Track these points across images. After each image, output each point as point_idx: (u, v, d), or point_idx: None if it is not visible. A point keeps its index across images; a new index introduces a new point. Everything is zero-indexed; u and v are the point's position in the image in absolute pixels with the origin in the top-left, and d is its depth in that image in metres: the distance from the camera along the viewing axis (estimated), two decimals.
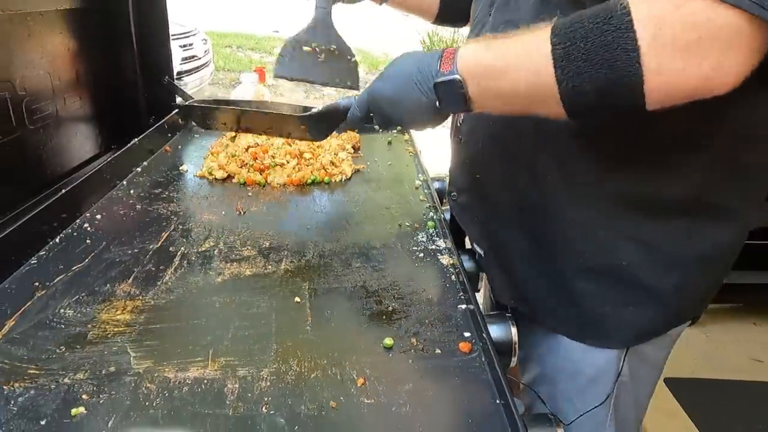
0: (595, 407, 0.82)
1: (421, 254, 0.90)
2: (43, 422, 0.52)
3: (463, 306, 0.76)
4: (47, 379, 0.58)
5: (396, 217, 1.04)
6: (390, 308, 0.75)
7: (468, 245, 1.00)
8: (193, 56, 4.81)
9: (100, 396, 0.56)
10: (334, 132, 1.02)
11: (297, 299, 0.75)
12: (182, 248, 0.87)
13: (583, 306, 0.79)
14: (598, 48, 0.53)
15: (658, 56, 0.51)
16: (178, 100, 1.63)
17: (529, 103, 0.63)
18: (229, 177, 1.18)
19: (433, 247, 0.93)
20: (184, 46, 4.63)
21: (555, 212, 0.77)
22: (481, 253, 0.93)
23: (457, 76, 0.64)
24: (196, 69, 4.84)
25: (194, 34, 4.94)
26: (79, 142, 1.31)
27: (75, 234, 0.90)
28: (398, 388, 0.60)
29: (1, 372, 0.58)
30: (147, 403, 0.55)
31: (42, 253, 0.83)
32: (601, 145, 0.70)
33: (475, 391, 0.61)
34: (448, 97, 0.67)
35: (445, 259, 0.89)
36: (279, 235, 0.94)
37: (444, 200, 1.43)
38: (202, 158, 1.26)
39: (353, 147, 1.41)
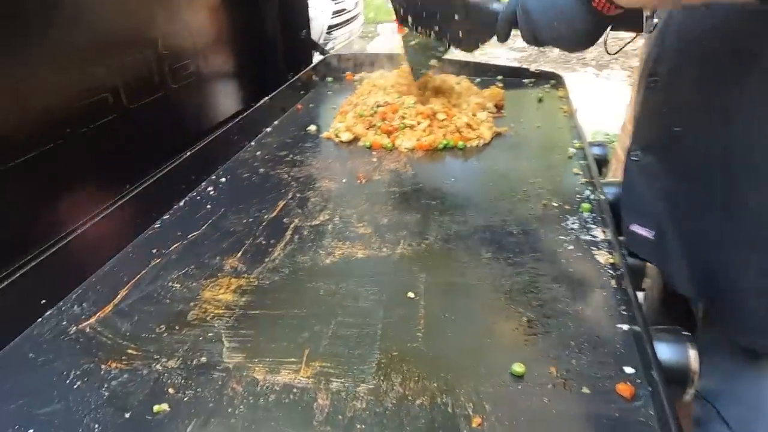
0: None
1: (571, 247, 0.72)
2: (127, 415, 0.49)
3: (626, 326, 0.57)
4: (142, 363, 0.55)
5: (541, 194, 0.85)
6: (525, 319, 0.59)
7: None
8: (343, 10, 4.81)
9: (186, 392, 0.51)
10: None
11: (411, 294, 0.64)
12: (296, 220, 0.80)
13: None
14: None
15: None
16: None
17: None
18: (356, 139, 1.09)
19: (587, 237, 0.74)
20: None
21: None
22: (650, 236, 0.72)
23: None
24: (345, 22, 4.85)
25: None
26: (221, 100, 1.32)
27: (198, 198, 0.88)
28: None
29: (103, 348, 0.57)
30: (230, 410, 0.49)
31: (166, 217, 0.83)
32: None
33: None
34: None
35: (602, 256, 0.69)
36: (400, 210, 0.83)
37: (603, 171, 1.20)
38: (332, 117, 1.19)
39: (495, 106, 1.22)
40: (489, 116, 1.14)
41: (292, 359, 0.55)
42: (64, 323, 0.60)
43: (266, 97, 1.17)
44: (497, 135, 1.09)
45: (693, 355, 0.59)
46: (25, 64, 0.73)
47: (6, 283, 0.59)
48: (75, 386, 0.52)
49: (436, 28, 0.94)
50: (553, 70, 1.43)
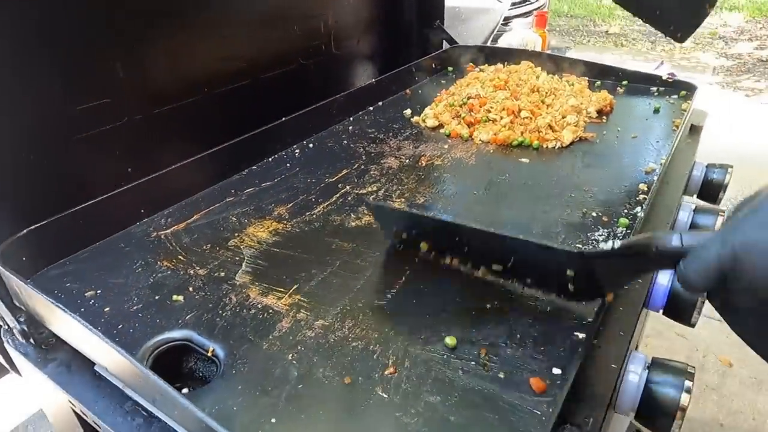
0: None
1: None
2: (156, 297, 0.66)
3: (578, 334, 0.57)
4: (183, 266, 0.72)
5: (586, 203, 0.84)
6: (488, 306, 0.63)
7: None
8: (525, 1, 4.70)
9: (199, 293, 0.67)
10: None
11: (404, 265, 0.71)
12: (348, 187, 0.92)
13: None
14: None
15: None
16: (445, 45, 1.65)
17: None
18: (440, 126, 1.16)
19: (606, 247, 0.72)
20: None
21: None
22: None
23: None
24: (526, 14, 4.74)
25: None
26: (361, 73, 1.50)
27: (285, 156, 1.05)
28: (423, 397, 0.51)
29: (164, 251, 0.76)
30: (220, 311, 0.64)
31: (254, 167, 1.01)
32: None
33: None
34: None
35: None
36: (438, 195, 0.89)
37: (720, 196, 1.10)
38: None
39: (599, 111, 1.17)
40: (582, 120, 1.11)
41: (282, 289, 0.67)
42: (150, 229, 0.82)
43: (373, 80, 1.30)
44: (581, 140, 1.06)
45: (686, 396, 0.58)
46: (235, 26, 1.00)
47: (118, 191, 0.81)
48: (137, 270, 0.72)
49: None
50: (692, 83, 1.29)
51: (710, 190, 1.10)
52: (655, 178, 0.89)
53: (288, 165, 1.01)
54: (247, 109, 1.12)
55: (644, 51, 5.98)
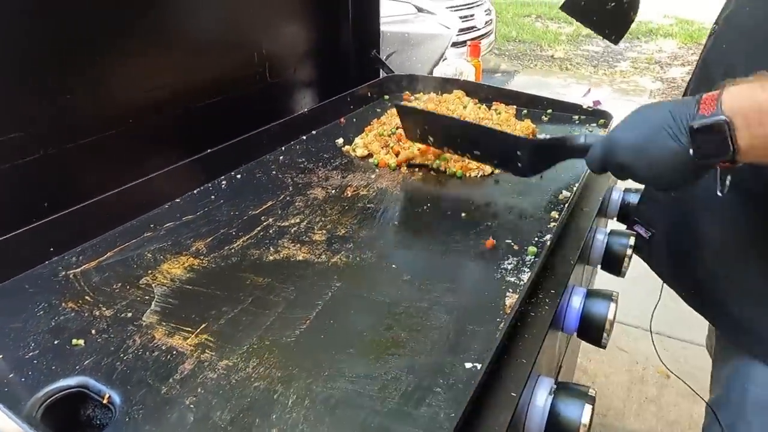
0: None
1: (489, 285, 0.73)
2: (55, 342, 0.64)
3: (469, 365, 0.59)
4: (88, 307, 0.70)
5: (500, 231, 0.87)
6: (393, 340, 0.64)
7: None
8: (473, 27, 4.88)
9: (102, 335, 0.65)
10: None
11: (317, 299, 0.71)
12: (271, 219, 0.92)
13: None
14: None
15: None
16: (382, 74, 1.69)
17: None
18: (370, 155, 1.18)
19: (512, 279, 0.75)
20: (465, 17, 4.73)
21: None
22: (645, 235, 0.95)
23: (722, 117, 0.54)
24: (473, 40, 4.90)
25: (478, 5, 4.99)
26: (298, 102, 1.51)
27: (211, 188, 1.04)
28: None
29: (71, 291, 0.74)
30: (123, 355, 0.62)
31: (178, 200, 1.00)
32: None
33: None
34: (707, 145, 0.55)
35: (510, 299, 0.70)
36: (362, 224, 0.90)
37: (632, 219, 1.16)
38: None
39: None
40: None
41: (189, 329, 0.66)
42: (60, 268, 0.79)
43: (305, 109, 1.31)
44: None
45: (586, 414, 0.60)
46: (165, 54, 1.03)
47: (25, 229, 0.78)
48: (38, 314, 0.69)
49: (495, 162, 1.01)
50: (607, 110, 1.37)
51: (628, 214, 1.16)
52: (565, 206, 0.93)
53: (213, 197, 1.00)
54: (177, 141, 1.11)
55: (587, 75, 6.27)
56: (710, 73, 0.81)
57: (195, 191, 1.03)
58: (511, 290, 0.72)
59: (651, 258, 0.99)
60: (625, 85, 5.86)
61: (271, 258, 0.81)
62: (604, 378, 2.20)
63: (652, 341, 1.47)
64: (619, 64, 6.63)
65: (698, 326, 1.08)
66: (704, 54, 0.87)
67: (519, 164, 0.89)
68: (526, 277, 0.74)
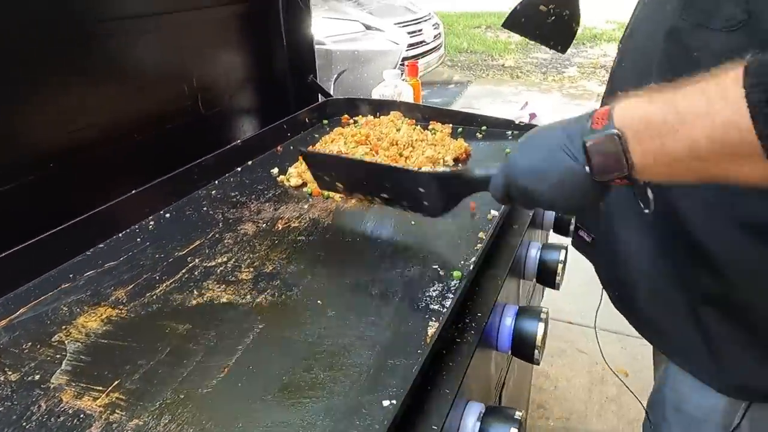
0: None
1: (413, 316, 0.73)
2: None
3: (387, 402, 0.59)
4: None
5: (428, 257, 0.87)
6: (310, 381, 0.63)
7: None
8: (422, 42, 4.95)
9: (5, 403, 0.62)
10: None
11: (237, 344, 0.70)
12: (197, 260, 0.90)
13: (708, 333, 0.74)
14: None
15: None
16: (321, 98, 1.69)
17: (710, 166, 0.49)
18: (304, 184, 1.17)
19: (436, 307, 0.75)
20: (413, 32, 4.80)
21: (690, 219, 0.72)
22: (588, 239, 0.98)
23: (614, 131, 0.53)
24: (423, 54, 4.98)
25: (426, 20, 5.08)
26: (235, 132, 1.49)
27: (137, 230, 1.01)
28: None
29: None
30: (25, 423, 0.59)
31: (101, 245, 0.96)
32: None
33: None
34: (602, 160, 0.54)
35: (431, 329, 0.70)
36: (291, 259, 0.89)
37: (569, 228, 1.19)
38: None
39: (455, 159, 1.24)
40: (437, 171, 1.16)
41: (100, 388, 0.64)
42: None
43: (238, 141, 1.30)
44: None
45: None
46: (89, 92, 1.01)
47: None
48: None
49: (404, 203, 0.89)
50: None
51: (561, 225, 1.19)
52: (492, 225, 0.95)
53: (138, 240, 0.97)
54: (103, 182, 1.08)
55: (537, 82, 6.45)
56: (614, 89, 0.84)
57: (120, 234, 1.00)
58: (433, 319, 0.72)
59: (594, 261, 1.01)
60: (574, 90, 6.04)
61: (194, 302, 0.79)
62: (565, 381, 2.23)
63: (596, 337, 1.52)
64: (567, 69, 6.85)
65: None
66: (612, 70, 0.90)
67: (425, 203, 0.83)
68: (449, 303, 0.75)
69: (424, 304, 0.75)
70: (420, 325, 0.71)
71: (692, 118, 0.48)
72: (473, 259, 0.85)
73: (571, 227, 1.18)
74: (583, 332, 2.47)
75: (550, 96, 5.81)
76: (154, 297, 0.81)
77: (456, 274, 0.81)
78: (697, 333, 0.75)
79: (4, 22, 0.91)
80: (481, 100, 5.78)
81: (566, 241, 1.18)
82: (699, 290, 0.74)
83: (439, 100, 5.52)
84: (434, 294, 0.78)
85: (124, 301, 0.80)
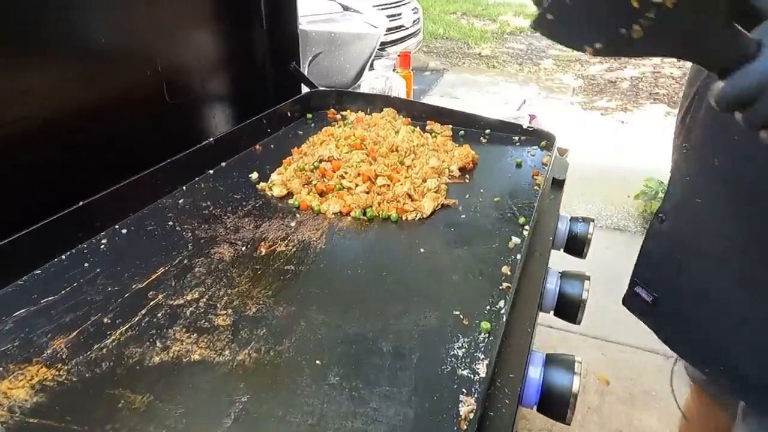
0: None
1: (438, 385, 0.59)
2: None
3: None
4: None
5: (445, 298, 0.72)
6: None
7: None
8: (401, 26, 4.76)
9: None
10: None
11: (214, 426, 0.54)
12: (161, 296, 0.72)
13: None
14: None
15: None
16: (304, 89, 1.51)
17: None
18: (289, 194, 1.00)
19: (465, 372, 0.60)
20: (392, 16, 4.60)
21: None
22: (649, 300, 0.85)
23: None
24: (402, 39, 4.79)
25: (405, 4, 4.88)
26: (208, 126, 1.29)
27: (86, 251, 0.82)
28: None
29: None
30: None
31: (38, 271, 0.77)
32: None
33: None
34: None
35: (466, 406, 0.56)
36: (277, 297, 0.73)
37: (584, 251, 1.07)
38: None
39: (461, 168, 1.09)
40: (442, 184, 1.01)
41: None
42: None
43: (210, 139, 1.11)
44: (441, 207, 0.96)
45: None
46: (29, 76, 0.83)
47: None
48: None
49: None
50: (546, 132, 1.27)
51: (575, 245, 1.06)
52: (518, 256, 0.81)
53: (86, 265, 0.79)
54: (44, 189, 0.88)
55: (514, 73, 6.36)
56: None
57: (63, 257, 0.81)
58: (465, 390, 0.58)
59: (657, 326, 0.87)
60: (551, 83, 5.98)
61: (157, 359, 0.62)
62: None
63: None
64: (543, 61, 6.77)
65: (638, 330, 0.99)
66: None
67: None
68: (482, 368, 0.60)
69: (449, 368, 0.61)
70: (448, 400, 0.57)
71: None
72: (501, 303, 0.71)
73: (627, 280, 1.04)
74: (563, 338, 2.40)
75: (528, 88, 5.73)
76: (104, 351, 0.63)
77: (484, 326, 0.66)
78: None
79: None
80: (458, 89, 5.64)
81: (580, 263, 1.05)
82: None
83: (416, 87, 5.35)
84: (460, 353, 0.63)
85: (63, 357, 0.62)
